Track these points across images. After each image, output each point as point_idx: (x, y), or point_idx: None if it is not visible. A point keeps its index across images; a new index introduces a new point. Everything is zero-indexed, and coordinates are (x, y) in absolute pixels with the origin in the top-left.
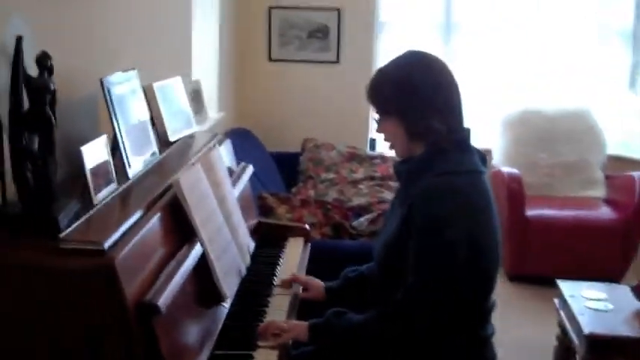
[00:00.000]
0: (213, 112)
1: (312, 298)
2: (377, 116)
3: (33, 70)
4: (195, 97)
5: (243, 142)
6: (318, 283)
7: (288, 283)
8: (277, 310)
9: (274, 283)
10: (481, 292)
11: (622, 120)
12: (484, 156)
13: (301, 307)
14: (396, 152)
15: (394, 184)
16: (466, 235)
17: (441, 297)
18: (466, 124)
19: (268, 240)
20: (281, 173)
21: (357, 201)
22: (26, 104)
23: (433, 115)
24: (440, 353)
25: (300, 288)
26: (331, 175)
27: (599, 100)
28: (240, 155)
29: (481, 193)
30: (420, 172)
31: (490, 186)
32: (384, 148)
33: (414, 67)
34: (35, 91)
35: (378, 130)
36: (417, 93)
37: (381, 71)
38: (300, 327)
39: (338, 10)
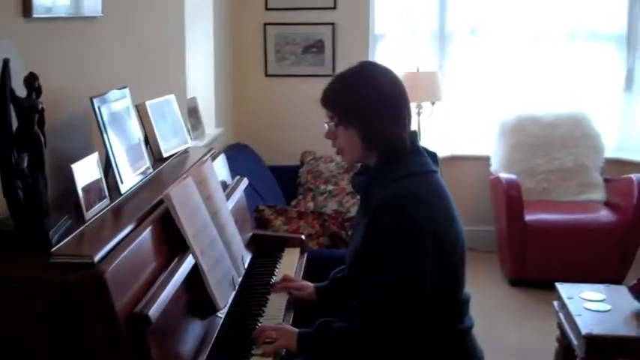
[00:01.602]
0: (211, 129)
1: (304, 298)
2: (330, 122)
3: (23, 92)
4: (192, 113)
5: (242, 156)
6: (308, 284)
7: (280, 287)
8: (272, 319)
9: (269, 292)
10: (452, 286)
11: (619, 123)
12: (435, 155)
13: (296, 315)
14: (347, 159)
15: None
16: (430, 233)
17: (408, 295)
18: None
19: (265, 251)
20: (281, 187)
21: (355, 211)
22: (16, 124)
23: (392, 122)
24: (419, 349)
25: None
26: (330, 187)
27: (595, 105)
28: (239, 170)
29: (435, 191)
30: (376, 180)
31: (443, 182)
32: None
33: (375, 76)
34: (23, 111)
35: (329, 136)
36: (381, 101)
37: (342, 77)
38: (290, 336)
39: (332, 24)
